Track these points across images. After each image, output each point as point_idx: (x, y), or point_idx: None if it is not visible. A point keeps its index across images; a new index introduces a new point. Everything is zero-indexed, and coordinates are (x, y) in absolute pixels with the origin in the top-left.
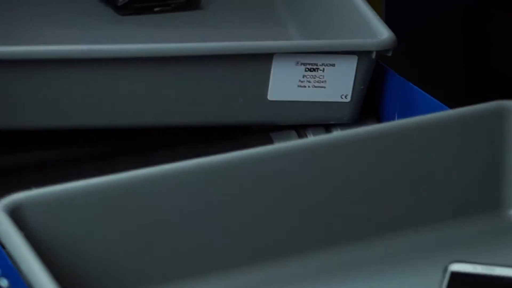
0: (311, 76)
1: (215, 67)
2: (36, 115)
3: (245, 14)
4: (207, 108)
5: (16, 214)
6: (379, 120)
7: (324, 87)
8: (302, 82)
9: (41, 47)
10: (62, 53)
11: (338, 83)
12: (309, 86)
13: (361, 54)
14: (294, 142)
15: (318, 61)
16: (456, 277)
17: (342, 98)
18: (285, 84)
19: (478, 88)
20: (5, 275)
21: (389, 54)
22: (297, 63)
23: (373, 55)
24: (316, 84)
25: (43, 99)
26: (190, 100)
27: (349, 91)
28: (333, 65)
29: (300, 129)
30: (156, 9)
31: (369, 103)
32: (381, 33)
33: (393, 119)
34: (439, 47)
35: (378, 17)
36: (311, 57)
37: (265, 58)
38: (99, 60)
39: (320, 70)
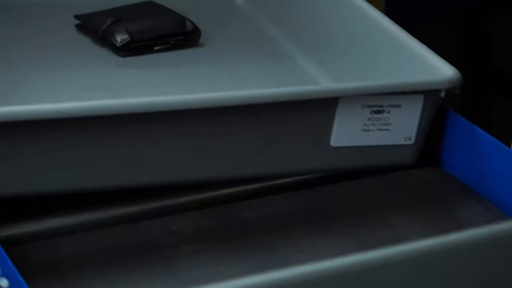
0: (376, 119)
1: (276, 115)
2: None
3: (247, 49)
4: (268, 159)
5: None
6: (437, 163)
7: (389, 129)
8: (366, 125)
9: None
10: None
11: (402, 125)
12: (373, 130)
13: (427, 93)
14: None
15: (384, 103)
16: None
17: (406, 140)
18: (350, 129)
19: (478, 88)
20: (5, 275)
21: (457, 92)
22: (363, 106)
23: (442, 94)
24: (381, 127)
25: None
26: (250, 151)
27: (413, 133)
28: (399, 105)
29: None
30: (156, 48)
31: (428, 145)
32: (442, 70)
33: (454, 162)
34: (439, 46)
35: (434, 53)
36: (377, 98)
37: (330, 103)
38: (155, 114)
39: (386, 112)
